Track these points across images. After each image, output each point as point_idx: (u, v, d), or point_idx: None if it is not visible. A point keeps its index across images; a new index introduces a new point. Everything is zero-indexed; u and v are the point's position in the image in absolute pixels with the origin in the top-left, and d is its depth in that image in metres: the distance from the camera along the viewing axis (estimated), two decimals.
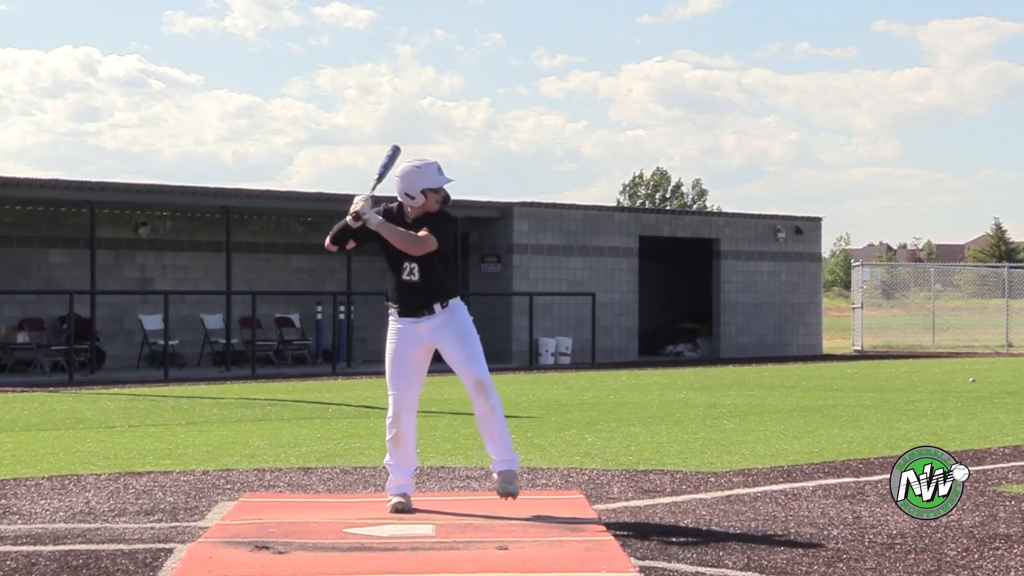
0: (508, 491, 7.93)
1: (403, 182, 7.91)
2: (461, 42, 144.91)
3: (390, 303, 8.04)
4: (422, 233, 7.84)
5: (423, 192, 7.88)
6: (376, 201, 8.08)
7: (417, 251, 7.85)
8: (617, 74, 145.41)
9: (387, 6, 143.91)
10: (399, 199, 7.98)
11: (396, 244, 7.86)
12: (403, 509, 7.86)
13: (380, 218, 7.89)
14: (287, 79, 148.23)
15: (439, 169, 7.94)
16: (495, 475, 8.00)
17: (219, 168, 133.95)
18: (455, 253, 8.26)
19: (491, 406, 7.94)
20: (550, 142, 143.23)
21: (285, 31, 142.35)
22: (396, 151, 8.16)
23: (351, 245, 8.09)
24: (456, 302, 8.04)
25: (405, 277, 7.94)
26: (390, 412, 7.95)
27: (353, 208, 7.89)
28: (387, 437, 8.00)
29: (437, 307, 7.95)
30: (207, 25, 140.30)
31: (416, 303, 7.96)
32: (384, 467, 8.17)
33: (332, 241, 8.05)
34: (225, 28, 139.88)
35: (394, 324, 8.04)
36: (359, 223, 7.87)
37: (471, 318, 8.12)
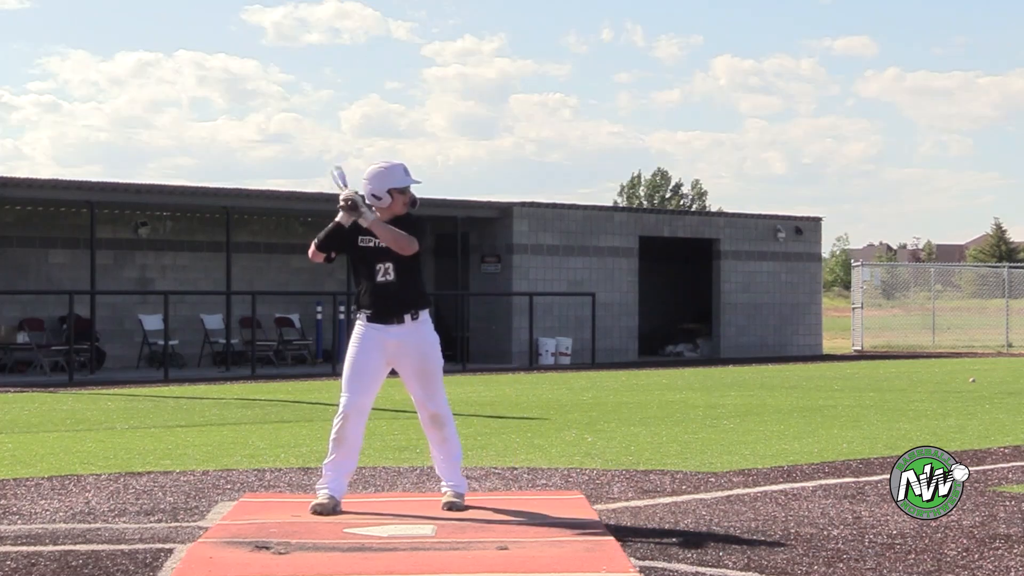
0: (455, 508, 7.87)
1: (370, 183, 7.84)
2: None
3: (361, 309, 7.85)
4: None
5: (390, 192, 7.79)
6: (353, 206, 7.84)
7: (408, 250, 7.72)
8: (618, 74, 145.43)
9: (388, 6, 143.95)
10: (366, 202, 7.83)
11: (389, 242, 7.69)
12: (326, 511, 7.63)
13: (375, 215, 7.77)
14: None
15: (406, 171, 7.88)
16: (445, 496, 7.93)
17: (219, 168, 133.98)
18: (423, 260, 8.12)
19: (444, 436, 7.93)
20: (551, 142, 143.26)
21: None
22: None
23: (334, 254, 7.93)
24: (426, 315, 7.92)
25: (380, 279, 7.79)
26: (340, 413, 7.75)
27: (345, 196, 7.73)
28: (331, 436, 7.79)
29: (408, 317, 7.82)
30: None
31: (389, 308, 7.80)
32: (322, 466, 7.93)
33: (319, 248, 7.89)
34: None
35: (361, 328, 7.84)
36: (352, 219, 7.76)
37: (437, 337, 7.98)
